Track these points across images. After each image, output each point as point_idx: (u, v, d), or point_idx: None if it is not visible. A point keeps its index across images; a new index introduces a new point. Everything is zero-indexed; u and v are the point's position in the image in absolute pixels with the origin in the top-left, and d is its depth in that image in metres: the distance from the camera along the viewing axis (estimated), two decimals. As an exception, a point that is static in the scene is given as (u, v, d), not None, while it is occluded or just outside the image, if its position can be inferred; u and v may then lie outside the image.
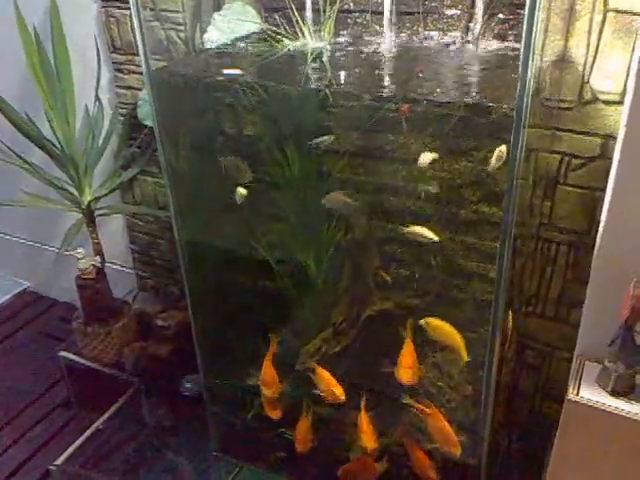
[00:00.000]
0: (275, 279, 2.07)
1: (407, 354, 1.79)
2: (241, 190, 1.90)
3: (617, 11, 1.59)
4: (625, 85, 1.65)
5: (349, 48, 1.86)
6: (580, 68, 1.69)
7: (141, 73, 1.72)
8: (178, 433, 2.47)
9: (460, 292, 1.98)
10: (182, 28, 2.13)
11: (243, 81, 1.81)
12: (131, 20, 2.25)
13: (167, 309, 2.65)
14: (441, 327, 1.74)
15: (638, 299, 1.41)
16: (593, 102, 1.71)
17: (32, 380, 2.85)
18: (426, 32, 1.86)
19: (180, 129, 1.92)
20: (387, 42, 1.88)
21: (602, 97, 1.70)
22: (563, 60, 1.70)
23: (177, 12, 2.11)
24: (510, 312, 1.74)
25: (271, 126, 1.99)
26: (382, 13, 1.87)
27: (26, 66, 2.30)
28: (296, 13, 1.86)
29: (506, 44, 1.77)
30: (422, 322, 1.77)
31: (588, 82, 1.70)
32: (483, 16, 1.76)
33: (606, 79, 1.67)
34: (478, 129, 1.72)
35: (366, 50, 1.84)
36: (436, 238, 1.69)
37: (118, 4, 2.28)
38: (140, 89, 2.38)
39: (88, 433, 2.46)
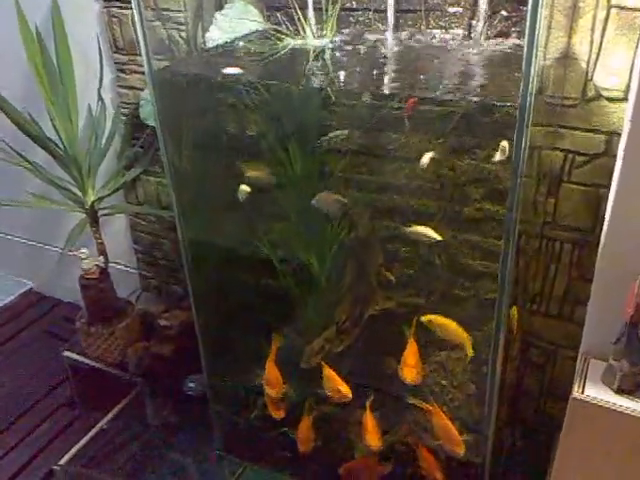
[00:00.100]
0: (278, 278, 2.07)
1: (411, 353, 1.79)
2: (244, 187, 1.90)
3: (620, 7, 1.59)
4: (629, 82, 1.64)
5: (351, 46, 1.85)
6: (583, 65, 1.68)
7: (143, 73, 1.72)
8: (182, 433, 2.47)
9: (464, 291, 1.98)
10: (184, 27, 2.13)
11: (245, 80, 1.81)
12: (133, 20, 2.25)
13: (170, 309, 2.65)
14: (445, 324, 1.74)
15: (643, 297, 1.40)
16: (597, 99, 1.70)
17: (36, 380, 2.85)
18: (428, 30, 1.86)
19: (182, 129, 1.92)
20: (389, 40, 1.87)
21: (606, 94, 1.69)
22: (566, 57, 1.69)
23: (179, 11, 2.11)
24: (515, 311, 1.73)
25: (273, 125, 1.99)
26: (384, 11, 1.86)
27: (28, 66, 2.30)
28: (298, 11, 1.85)
29: (509, 41, 1.76)
30: (425, 319, 1.76)
31: (592, 79, 1.69)
32: (485, 13, 1.75)
33: (610, 76, 1.66)
34: (481, 127, 1.72)
35: (368, 48, 1.84)
36: (439, 238, 1.68)
37: (120, 4, 2.28)
38: (142, 89, 2.38)
39: (92, 433, 2.47)
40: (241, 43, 1.95)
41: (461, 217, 1.90)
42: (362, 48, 1.83)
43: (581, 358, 1.64)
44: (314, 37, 1.88)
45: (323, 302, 2.11)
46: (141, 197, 2.70)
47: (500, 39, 1.77)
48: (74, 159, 2.43)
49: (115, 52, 2.40)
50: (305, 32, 1.87)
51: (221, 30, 1.99)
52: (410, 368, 1.76)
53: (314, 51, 1.83)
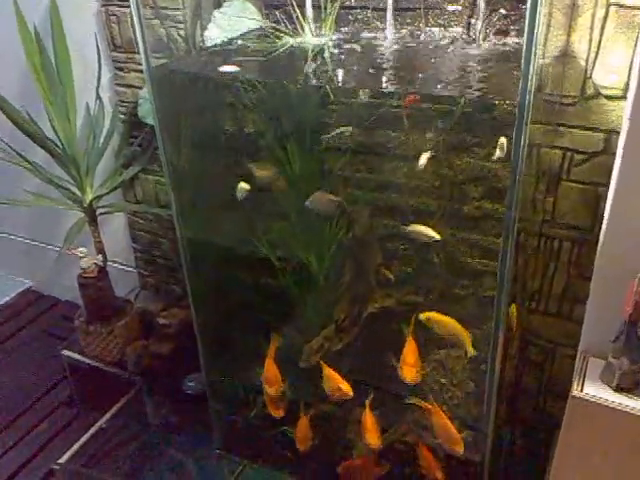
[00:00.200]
0: (277, 277, 2.07)
1: (410, 352, 1.78)
2: (243, 185, 1.89)
3: (619, 5, 1.59)
4: (628, 80, 1.64)
5: (350, 45, 1.85)
6: (582, 63, 1.68)
7: (141, 71, 1.72)
8: (181, 431, 2.47)
9: (463, 289, 1.98)
10: (182, 26, 2.12)
11: (244, 78, 1.80)
12: (131, 18, 2.25)
13: (169, 307, 2.65)
14: (443, 321, 1.73)
15: (642, 295, 1.40)
16: (596, 97, 1.70)
17: (35, 379, 2.85)
18: (427, 28, 1.85)
19: (181, 127, 1.92)
20: (388, 38, 1.87)
21: (605, 92, 1.69)
22: (565, 55, 1.69)
23: (177, 10, 2.11)
24: (514, 308, 1.73)
25: (272, 123, 1.99)
26: (383, 9, 1.86)
27: (26, 65, 2.30)
28: (297, 10, 1.85)
29: (508, 40, 1.76)
30: (423, 317, 1.75)
31: (591, 77, 1.69)
32: (484, 11, 1.75)
33: (609, 74, 1.66)
34: (480, 125, 1.72)
35: (367, 47, 1.83)
36: (437, 237, 1.68)
37: (118, 2, 2.27)
38: (141, 87, 2.38)
39: (91, 432, 2.46)
40: (240, 41, 1.95)
41: (460, 215, 1.90)
42: (361, 46, 1.83)
43: (580, 356, 1.64)
44: (313, 35, 1.88)
45: (322, 301, 2.11)
46: (139, 196, 2.70)
47: (499, 37, 1.77)
48: (72, 158, 2.42)
49: (113, 50, 2.40)
50: (304, 30, 1.87)
51: (220, 28, 1.99)
52: (409, 367, 1.76)
53: (313, 49, 1.83)
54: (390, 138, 1.91)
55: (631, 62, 1.62)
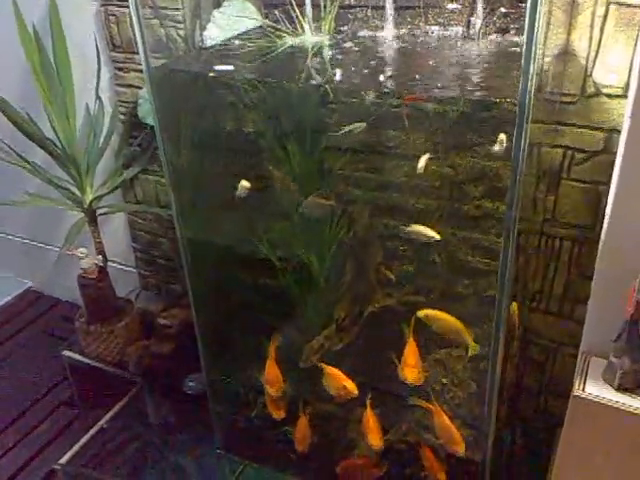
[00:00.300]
0: (277, 276, 2.07)
1: (411, 353, 1.78)
2: (244, 183, 1.89)
3: (619, 4, 1.58)
4: (628, 78, 1.63)
5: (349, 44, 1.84)
6: (583, 61, 1.68)
7: (141, 71, 1.71)
8: (182, 431, 2.47)
9: (464, 288, 1.97)
10: (182, 26, 2.12)
11: (242, 78, 1.80)
12: (130, 18, 2.24)
13: (170, 308, 2.64)
14: (442, 318, 1.73)
15: (643, 294, 1.40)
16: (596, 96, 1.70)
17: (35, 379, 2.85)
18: (427, 26, 1.85)
19: (181, 127, 1.91)
20: (388, 37, 1.86)
21: (605, 90, 1.68)
22: (566, 53, 1.68)
23: (176, 9, 2.10)
24: (515, 308, 1.73)
25: (272, 123, 1.98)
26: (383, 8, 1.86)
27: (26, 65, 2.29)
28: (296, 9, 1.85)
29: (508, 38, 1.75)
30: (421, 314, 1.75)
31: (591, 75, 1.68)
32: (484, 10, 1.75)
33: (609, 72, 1.66)
34: (480, 124, 1.71)
35: (366, 46, 1.83)
36: (437, 237, 1.68)
37: (117, 2, 2.27)
38: (140, 87, 2.37)
39: (92, 432, 2.46)
40: (239, 41, 1.94)
41: (461, 215, 1.89)
42: (360, 45, 1.82)
43: (582, 356, 1.64)
44: (312, 34, 1.87)
45: (322, 300, 2.11)
46: (139, 196, 2.70)
47: (499, 36, 1.76)
48: (72, 158, 2.42)
49: (113, 50, 2.40)
50: (303, 29, 1.86)
51: (219, 28, 1.98)
52: (411, 368, 1.75)
53: (312, 48, 1.82)
54: (389, 137, 1.91)
55: (631, 60, 1.61)
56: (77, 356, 2.60)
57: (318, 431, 2.08)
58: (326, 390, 1.89)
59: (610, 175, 1.51)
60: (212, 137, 2.10)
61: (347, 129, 1.73)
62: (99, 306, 2.52)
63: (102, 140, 2.49)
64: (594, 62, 1.67)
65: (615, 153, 1.50)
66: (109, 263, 2.61)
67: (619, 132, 1.64)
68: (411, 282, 2.01)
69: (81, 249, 2.44)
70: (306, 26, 1.87)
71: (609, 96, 1.69)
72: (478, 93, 1.49)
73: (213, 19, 1.99)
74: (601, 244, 1.53)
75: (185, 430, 2.47)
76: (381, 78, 1.65)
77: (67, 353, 2.62)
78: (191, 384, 2.53)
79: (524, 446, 2.19)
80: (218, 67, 1.77)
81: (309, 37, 1.87)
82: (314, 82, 1.69)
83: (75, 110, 2.41)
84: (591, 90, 1.70)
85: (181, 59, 2.09)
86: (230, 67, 1.73)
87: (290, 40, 1.85)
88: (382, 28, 1.88)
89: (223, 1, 2.02)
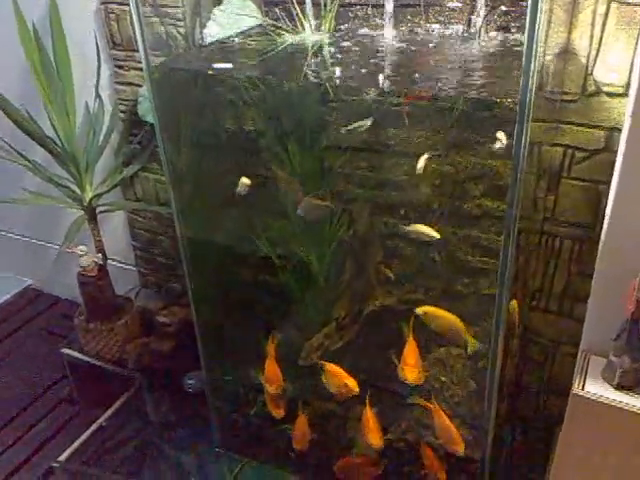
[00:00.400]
0: (277, 275, 2.07)
1: (410, 352, 1.77)
2: (245, 180, 1.89)
3: (620, 2, 1.58)
4: (629, 77, 1.63)
5: (350, 42, 1.84)
6: (583, 60, 1.67)
7: (141, 69, 1.71)
8: (181, 429, 2.47)
9: (464, 287, 1.97)
10: (182, 23, 2.12)
11: (243, 76, 1.80)
12: (130, 16, 2.24)
13: (169, 306, 2.64)
14: (440, 315, 1.72)
15: (643, 293, 1.40)
16: (597, 94, 1.70)
17: (35, 377, 2.85)
18: (428, 25, 1.85)
19: (181, 125, 1.91)
20: (388, 35, 1.86)
21: (606, 89, 1.68)
22: (566, 52, 1.68)
23: (176, 7, 2.10)
24: (515, 306, 1.73)
25: (272, 121, 1.98)
26: (383, 6, 1.85)
27: (26, 64, 2.29)
28: (296, 7, 1.84)
29: (509, 36, 1.75)
30: (420, 311, 1.74)
31: (592, 74, 1.68)
32: (485, 8, 1.74)
33: (610, 71, 1.66)
34: (480, 123, 1.71)
35: (367, 44, 1.83)
36: (437, 236, 1.68)
37: (117, 0, 2.27)
38: (140, 85, 2.37)
39: (91, 429, 2.47)
40: (239, 39, 1.94)
41: (461, 213, 1.89)
42: (361, 44, 1.82)
43: (581, 354, 1.64)
44: (312, 33, 1.87)
45: (322, 299, 2.11)
46: (139, 194, 2.69)
47: (500, 34, 1.76)
48: (72, 156, 2.42)
49: (112, 48, 2.39)
50: (303, 28, 1.86)
51: (219, 26, 1.98)
52: (411, 368, 1.75)
53: (312, 47, 1.82)
54: (390, 135, 1.90)
55: (632, 59, 1.61)
56: (76, 354, 2.60)
57: (317, 429, 2.08)
58: (326, 388, 1.89)
59: (610, 174, 1.51)
60: (212, 135, 2.09)
61: (355, 125, 1.74)
62: (99, 304, 2.52)
63: (102, 138, 2.49)
64: (595, 61, 1.67)
65: (615, 152, 1.50)
66: (109, 261, 2.61)
67: (620, 131, 1.64)
68: (411, 281, 2.01)
69: (81, 247, 2.44)
70: (306, 24, 1.86)
71: (610, 95, 1.68)
72: (478, 92, 1.49)
73: (213, 17, 1.99)
74: (601, 243, 1.53)
75: (184, 428, 2.47)
76: (380, 77, 1.65)
77: (66, 351, 2.62)
78: (191, 382, 2.53)
79: (523, 444, 2.19)
80: (218, 65, 1.77)
81: (309, 35, 1.86)
82: (314, 80, 1.68)
83: (75, 108, 2.40)
84: (592, 89, 1.70)
85: (181, 57, 2.09)
86: (230, 65, 1.73)
87: (290, 38, 1.85)
88: (382, 26, 1.88)
89: (223, -1, 2.02)
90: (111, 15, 2.32)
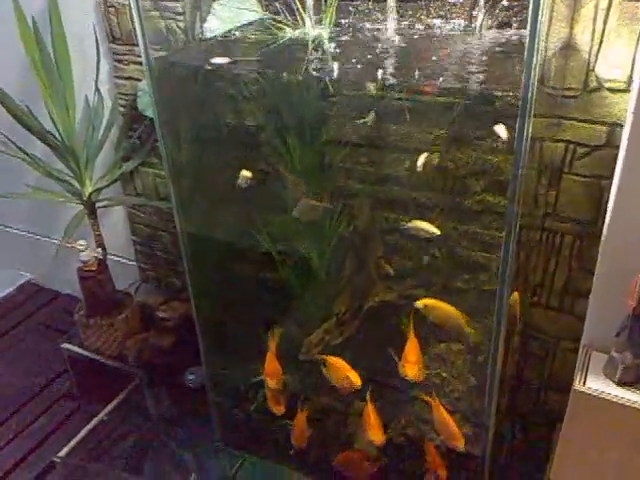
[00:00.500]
0: (277, 270, 2.06)
1: (411, 349, 1.77)
2: (245, 172, 1.88)
3: (623, -3, 1.57)
4: (631, 72, 1.63)
5: (350, 36, 1.83)
6: (585, 56, 1.67)
7: (141, 63, 1.70)
8: (181, 424, 2.47)
9: (465, 282, 1.97)
10: (181, 18, 2.11)
11: (243, 70, 1.79)
12: (130, 10, 2.23)
13: (169, 301, 2.65)
14: (440, 307, 1.72)
15: (645, 289, 1.40)
16: (598, 90, 1.69)
17: (35, 372, 2.85)
18: (429, 19, 1.84)
19: (181, 120, 1.91)
20: (389, 30, 1.85)
21: (608, 85, 1.68)
22: (568, 47, 1.67)
23: (176, 1, 2.09)
24: (516, 298, 1.72)
25: (272, 116, 1.97)
26: (384, 0, 1.84)
27: (25, 58, 2.28)
28: (297, 1, 1.83)
29: (510, 32, 1.74)
30: (419, 304, 1.74)
31: (593, 70, 1.67)
32: (486, 3, 1.73)
33: (612, 67, 1.65)
34: (482, 118, 1.70)
35: (368, 38, 1.82)
36: (438, 232, 1.67)
37: (117, -7, 2.26)
38: (140, 80, 2.36)
39: (92, 425, 2.47)
40: (239, 33, 1.93)
41: (462, 209, 1.89)
42: (361, 38, 1.81)
43: (583, 350, 1.64)
44: (313, 27, 1.86)
45: (323, 294, 2.10)
46: (139, 189, 2.69)
47: (501, 29, 1.75)
48: (72, 151, 2.41)
49: (112, 43, 2.39)
50: (304, 22, 1.85)
51: (219, 20, 1.97)
52: (411, 365, 1.75)
53: (313, 41, 1.81)
54: (391, 131, 1.90)
55: (634, 54, 1.60)
56: (77, 349, 2.60)
57: (317, 425, 2.08)
58: (327, 382, 1.89)
59: (612, 169, 1.51)
60: (212, 129, 2.09)
61: (362, 121, 1.73)
62: (99, 299, 2.52)
63: (101, 133, 2.48)
64: (597, 56, 1.66)
65: (617, 147, 1.49)
66: (109, 256, 2.60)
67: (621, 126, 1.64)
68: (412, 276, 2.01)
69: (81, 242, 2.44)
70: (307, 18, 1.85)
71: (611, 90, 1.68)
72: (480, 86, 1.48)
73: (213, 11, 1.98)
74: (603, 239, 1.53)
75: (185, 423, 2.47)
76: (380, 72, 1.64)
77: (67, 346, 2.62)
78: (191, 377, 2.54)
79: (524, 440, 2.19)
80: (217, 59, 1.76)
81: (310, 30, 1.86)
82: (314, 74, 1.68)
83: (74, 102, 2.40)
84: (593, 84, 1.69)
85: (181, 51, 2.08)
86: (229, 59, 1.72)
87: (290, 33, 1.84)
88: (383, 21, 1.87)
89: (223, -7, 2.01)
90: (111, 9, 2.31)
